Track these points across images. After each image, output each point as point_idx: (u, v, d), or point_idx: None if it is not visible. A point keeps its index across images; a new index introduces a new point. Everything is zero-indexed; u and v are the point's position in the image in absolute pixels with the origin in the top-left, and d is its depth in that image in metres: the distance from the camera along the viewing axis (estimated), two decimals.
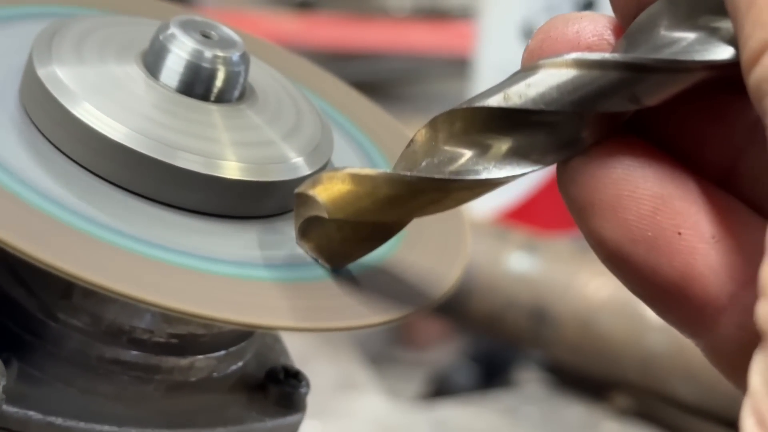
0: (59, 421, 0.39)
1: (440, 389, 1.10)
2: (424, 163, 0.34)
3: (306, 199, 0.36)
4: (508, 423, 0.98)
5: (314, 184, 0.36)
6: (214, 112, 0.40)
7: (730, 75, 0.30)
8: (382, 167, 0.44)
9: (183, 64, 0.40)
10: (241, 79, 0.41)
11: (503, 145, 0.33)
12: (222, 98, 0.41)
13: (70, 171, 0.38)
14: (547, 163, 0.33)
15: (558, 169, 0.33)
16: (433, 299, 0.39)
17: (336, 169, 0.35)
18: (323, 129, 0.43)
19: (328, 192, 0.35)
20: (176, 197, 0.39)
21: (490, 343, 1.11)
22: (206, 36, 0.41)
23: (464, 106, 0.33)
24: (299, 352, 1.03)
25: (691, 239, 0.32)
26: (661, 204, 0.32)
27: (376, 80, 1.54)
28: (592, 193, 0.32)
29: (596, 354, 0.96)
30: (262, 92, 0.42)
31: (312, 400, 0.99)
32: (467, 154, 0.33)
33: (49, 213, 0.36)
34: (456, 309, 1.02)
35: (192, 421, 0.41)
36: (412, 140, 0.34)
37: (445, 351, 1.21)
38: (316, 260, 0.38)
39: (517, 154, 0.33)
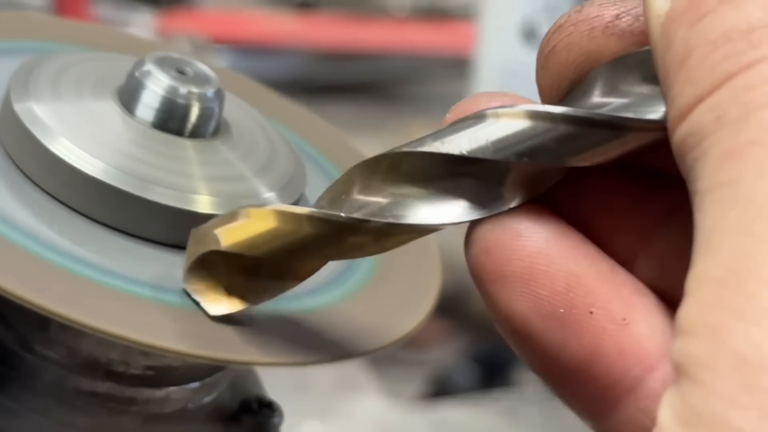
0: None
1: (440, 389, 1.10)
2: (345, 207, 0.33)
3: (204, 236, 0.36)
4: (508, 423, 0.98)
5: (223, 221, 0.35)
6: (188, 147, 0.41)
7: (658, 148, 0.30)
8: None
9: (158, 99, 0.41)
10: (216, 115, 0.42)
11: (433, 192, 0.32)
12: (196, 133, 0.41)
13: (47, 206, 0.39)
14: (470, 218, 0.32)
15: (469, 234, 0.32)
16: (373, 348, 0.39)
17: (256, 206, 0.35)
18: (296, 164, 0.43)
19: (244, 229, 0.34)
20: (151, 231, 0.39)
21: (490, 343, 1.11)
22: (181, 72, 0.41)
23: (393, 150, 0.32)
24: None
25: (602, 320, 0.31)
26: (575, 282, 0.31)
27: (376, 80, 1.54)
28: (504, 263, 0.31)
29: None
30: (237, 127, 0.43)
31: (312, 400, 0.99)
32: (395, 198, 0.32)
33: (25, 248, 0.37)
34: (456, 309, 1.02)
35: None
36: (334, 184, 0.34)
37: (445, 351, 1.21)
38: (198, 304, 0.37)
39: (446, 201, 0.32)
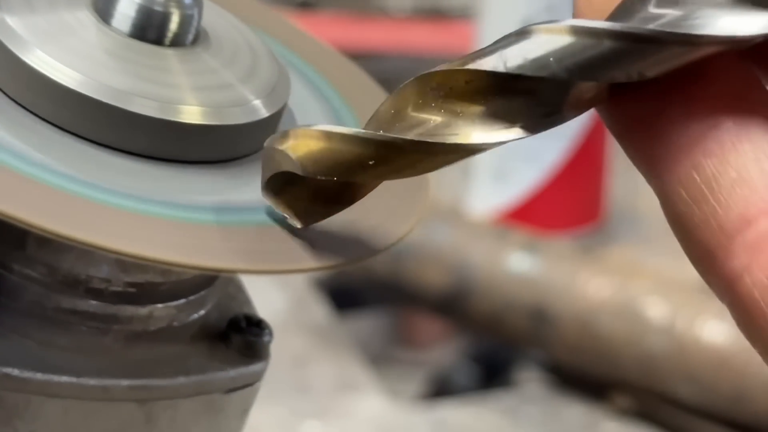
0: (16, 372, 0.39)
1: (440, 389, 1.10)
2: (397, 125, 0.33)
3: (275, 154, 0.35)
4: (508, 423, 0.98)
5: (285, 139, 0.35)
6: (168, 56, 0.40)
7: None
8: (349, 122, 0.44)
9: (135, 8, 0.40)
10: (195, 22, 0.40)
11: (484, 111, 0.32)
12: (176, 42, 0.40)
13: (23, 120, 0.38)
14: (528, 134, 0.32)
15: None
16: (379, 249, 0.39)
17: (308, 125, 0.35)
18: (279, 71, 0.42)
19: (300, 148, 0.34)
20: (133, 143, 0.38)
21: (490, 343, 1.11)
22: None
23: (443, 68, 0.32)
24: (299, 353, 1.03)
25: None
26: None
27: (376, 80, 1.54)
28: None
29: (596, 354, 0.96)
30: (216, 35, 0.42)
31: (312, 400, 0.99)
32: (445, 118, 0.32)
33: (2, 162, 0.36)
34: (456, 309, 1.02)
35: (152, 370, 0.40)
36: (385, 102, 0.33)
37: (445, 351, 1.21)
38: (285, 218, 0.37)
39: (497, 121, 0.32)
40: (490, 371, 1.11)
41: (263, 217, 0.38)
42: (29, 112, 0.38)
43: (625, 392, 0.97)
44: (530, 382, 1.05)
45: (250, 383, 0.42)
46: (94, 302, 0.40)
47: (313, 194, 0.36)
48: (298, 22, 0.49)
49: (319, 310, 1.08)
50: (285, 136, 0.35)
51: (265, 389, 1.07)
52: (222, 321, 0.43)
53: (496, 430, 0.98)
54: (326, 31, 1.56)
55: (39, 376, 0.39)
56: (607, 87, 0.31)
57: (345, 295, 1.17)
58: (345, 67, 0.48)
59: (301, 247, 0.37)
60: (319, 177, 0.34)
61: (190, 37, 0.40)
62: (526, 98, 0.31)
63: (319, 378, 1.00)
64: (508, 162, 1.07)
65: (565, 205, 1.11)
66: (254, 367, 0.42)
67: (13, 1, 0.40)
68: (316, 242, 0.37)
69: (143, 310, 0.41)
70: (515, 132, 0.32)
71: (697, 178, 0.30)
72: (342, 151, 0.33)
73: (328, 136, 0.34)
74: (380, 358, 1.17)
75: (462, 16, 1.57)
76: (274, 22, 0.48)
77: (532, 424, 0.98)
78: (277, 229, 0.38)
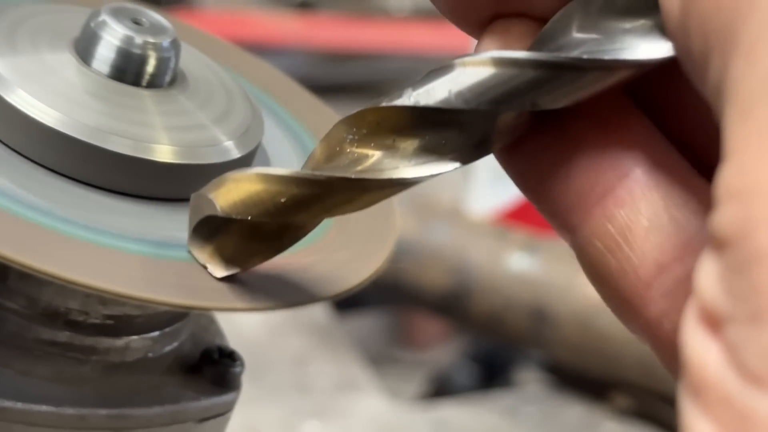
0: None
1: (440, 389, 1.10)
2: (329, 166, 0.33)
3: (203, 201, 0.36)
4: (508, 423, 0.98)
5: (217, 186, 0.35)
6: (145, 97, 0.41)
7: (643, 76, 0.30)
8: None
9: (114, 50, 0.41)
10: (172, 65, 0.42)
11: (414, 145, 0.32)
12: (153, 83, 0.41)
13: (3, 156, 0.39)
14: (458, 164, 0.32)
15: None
16: (332, 295, 0.40)
17: (243, 170, 0.35)
18: (254, 113, 0.44)
19: (230, 192, 0.35)
20: (109, 180, 0.39)
21: (490, 343, 1.11)
22: (137, 23, 0.41)
23: (373, 106, 0.33)
24: (299, 353, 1.04)
25: (587, 124, 0.31)
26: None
27: (376, 80, 1.54)
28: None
29: (596, 354, 0.96)
30: (193, 78, 0.43)
31: (312, 400, 0.99)
32: (377, 154, 0.33)
33: None
34: (456, 309, 1.02)
35: (129, 400, 0.41)
36: (320, 143, 0.34)
37: (445, 351, 1.21)
38: (205, 267, 0.38)
39: (428, 154, 0.32)
40: (490, 371, 1.11)
41: None
42: (10, 149, 0.39)
43: (625, 392, 0.97)
44: (530, 382, 1.05)
45: (222, 413, 0.44)
46: (72, 334, 0.41)
47: (250, 237, 0.36)
48: (270, 65, 0.51)
49: (319, 310, 1.08)
50: (219, 182, 0.35)
51: (265, 389, 1.08)
52: (195, 352, 0.44)
53: (496, 430, 0.98)
54: (326, 31, 1.55)
55: (19, 405, 0.40)
56: (532, 113, 0.32)
57: None
58: (315, 106, 0.49)
59: (261, 285, 0.38)
60: (255, 219, 0.35)
61: (167, 78, 0.42)
62: (455, 130, 0.32)
63: (319, 378, 1.00)
64: None
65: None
66: (226, 397, 0.44)
67: None
68: (276, 282, 0.38)
69: (120, 342, 0.42)
70: (447, 164, 0.32)
71: (611, 229, 0.31)
72: (277, 193, 0.34)
73: (264, 178, 0.34)
74: (380, 358, 1.17)
75: None
76: (248, 64, 0.50)
77: (531, 424, 0.98)
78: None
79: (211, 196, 0.35)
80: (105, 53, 0.41)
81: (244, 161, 0.42)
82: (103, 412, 0.41)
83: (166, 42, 0.41)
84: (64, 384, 0.41)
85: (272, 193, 0.34)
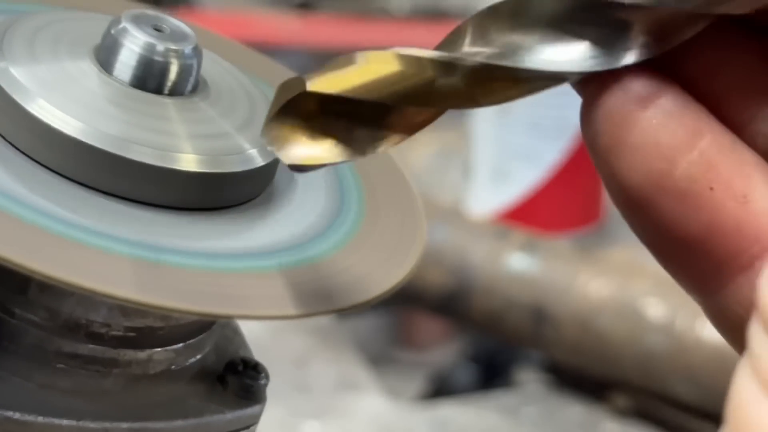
0: (17, 416, 0.39)
1: (440, 389, 1.10)
2: (472, 51, 0.32)
3: (296, 84, 0.33)
4: (508, 423, 0.98)
5: (360, 57, 0.33)
6: (168, 105, 0.40)
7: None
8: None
9: (135, 58, 0.40)
10: (194, 72, 0.41)
11: (567, 39, 0.31)
12: (175, 91, 0.41)
13: (26, 167, 0.39)
14: (610, 66, 0.30)
15: (587, 95, 0.31)
16: (363, 301, 0.39)
17: (371, 52, 0.33)
18: None
19: (375, 71, 0.32)
20: (132, 190, 0.39)
21: (490, 343, 1.11)
22: (158, 29, 0.41)
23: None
24: (299, 353, 1.03)
25: (723, 196, 0.30)
26: (697, 156, 0.30)
27: None
28: (626, 132, 0.30)
29: (596, 354, 0.96)
30: (215, 85, 0.43)
31: (312, 400, 0.99)
32: (514, 45, 0.31)
33: (5, 209, 0.36)
34: (456, 309, 1.02)
35: (151, 414, 0.41)
36: (458, 28, 0.32)
37: (445, 351, 1.21)
38: (275, 153, 0.35)
39: (592, 48, 0.31)
40: (490, 371, 1.11)
41: (258, 263, 0.39)
42: (31, 159, 0.39)
43: (625, 392, 0.97)
44: (530, 382, 1.05)
45: (247, 426, 0.43)
46: (94, 346, 0.40)
47: (346, 124, 0.34)
48: (291, 70, 0.50)
49: None
50: (350, 59, 0.33)
51: None
52: (219, 364, 0.43)
53: (496, 430, 0.98)
54: (326, 31, 1.56)
55: (40, 419, 0.39)
56: None
57: None
58: None
59: (292, 293, 0.38)
60: (387, 101, 0.32)
61: (189, 86, 0.41)
62: (600, 26, 0.30)
63: (320, 378, 1.00)
64: (507, 162, 1.07)
65: (564, 205, 1.11)
66: (251, 410, 0.43)
67: (17, 52, 0.40)
68: (307, 289, 0.38)
69: (142, 354, 0.41)
70: (588, 60, 0.31)
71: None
72: (416, 74, 0.32)
73: (404, 59, 0.32)
74: (380, 358, 1.17)
75: (462, 16, 1.56)
76: (270, 71, 0.49)
77: (531, 424, 0.98)
78: (270, 275, 0.38)
79: (359, 62, 0.32)
80: (126, 61, 0.40)
81: (269, 169, 0.41)
82: (125, 425, 0.40)
83: (188, 49, 0.41)
84: (86, 397, 0.40)
85: (407, 75, 0.32)
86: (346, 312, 0.39)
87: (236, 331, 0.46)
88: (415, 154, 1.16)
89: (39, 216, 0.37)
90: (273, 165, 0.41)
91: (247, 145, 0.41)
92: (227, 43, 0.49)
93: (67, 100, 0.39)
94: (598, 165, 0.32)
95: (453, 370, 1.14)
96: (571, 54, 0.31)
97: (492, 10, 0.32)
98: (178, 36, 0.41)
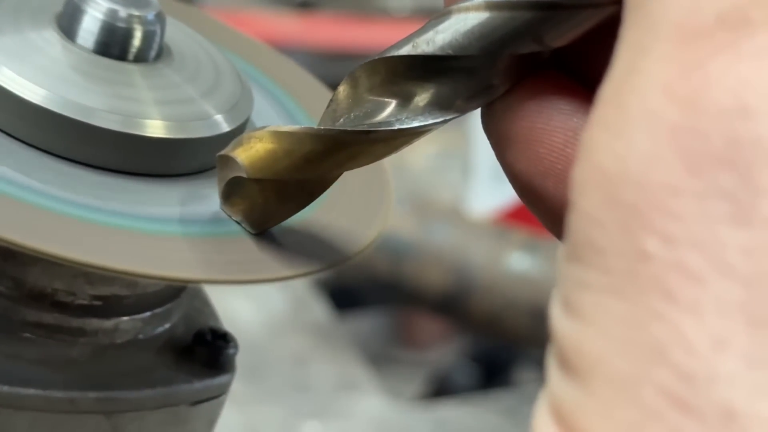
0: None
1: (440, 389, 1.10)
2: (342, 119, 0.34)
3: (227, 162, 0.36)
4: (508, 423, 0.98)
5: (235, 146, 0.36)
6: (132, 71, 0.40)
7: None
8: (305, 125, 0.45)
9: (98, 24, 0.40)
10: (158, 38, 0.41)
11: (423, 94, 0.33)
12: (139, 58, 0.41)
13: None
14: (465, 110, 0.33)
15: (482, 107, 0.33)
16: (348, 256, 0.39)
17: (257, 129, 0.36)
18: (242, 86, 0.43)
19: (248, 152, 0.35)
20: (97, 157, 0.39)
21: (490, 343, 1.11)
22: None
23: (378, 56, 0.33)
24: (299, 353, 1.04)
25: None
26: (572, 137, 0.31)
27: None
28: (507, 125, 0.32)
29: None
30: (180, 51, 0.43)
31: (312, 400, 0.99)
32: (388, 105, 0.33)
33: None
34: (456, 309, 1.02)
35: (119, 383, 0.41)
36: (333, 96, 0.34)
37: (445, 351, 1.21)
38: (240, 224, 0.38)
39: (436, 103, 0.33)
40: (490, 371, 1.11)
41: (227, 228, 0.39)
42: None
43: None
44: (530, 382, 1.05)
45: (215, 395, 0.43)
46: (59, 315, 0.40)
47: (267, 197, 0.37)
48: (258, 40, 0.51)
49: (319, 310, 1.08)
50: (236, 143, 0.36)
51: (265, 389, 1.08)
52: (188, 334, 0.43)
53: (496, 430, 0.98)
54: (326, 31, 1.56)
55: (6, 389, 0.39)
56: (537, 52, 0.32)
57: (345, 295, 1.17)
58: (306, 80, 0.49)
59: (266, 256, 0.38)
60: (271, 178, 0.35)
61: (153, 52, 0.41)
62: (461, 77, 0.32)
63: (320, 378, 1.00)
64: None
65: None
66: (220, 380, 0.43)
67: None
68: (281, 251, 0.38)
69: (109, 323, 0.41)
70: (454, 111, 0.33)
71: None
72: (290, 151, 0.35)
73: (276, 136, 0.35)
74: (380, 358, 1.17)
75: None
76: (233, 37, 0.49)
77: None
78: (241, 240, 0.38)
79: (234, 154, 0.36)
80: (89, 28, 0.40)
81: (234, 135, 0.41)
82: (92, 394, 0.40)
83: (150, 15, 0.41)
84: (53, 367, 0.40)
85: (282, 151, 0.35)
86: (317, 273, 0.39)
87: (205, 302, 0.45)
88: (415, 154, 1.16)
89: (3, 184, 0.37)
90: (239, 130, 0.42)
91: (212, 111, 0.41)
92: (191, 12, 0.49)
93: (31, 68, 0.39)
94: (498, 160, 0.33)
95: (453, 370, 1.14)
96: (447, 107, 0.33)
97: (371, 66, 0.33)
98: (140, 2, 0.41)
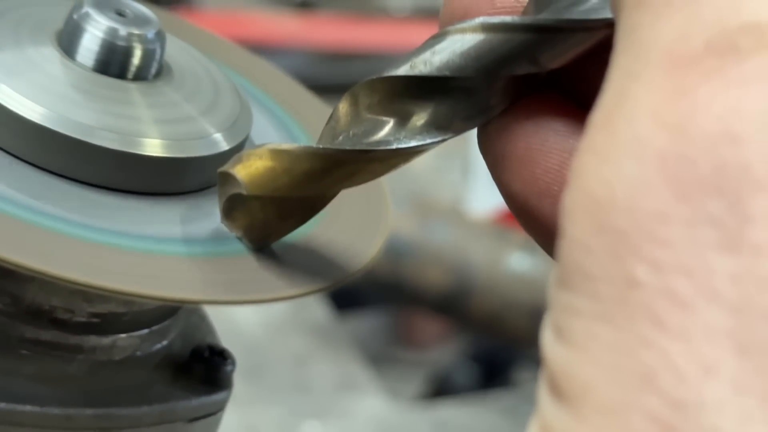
0: None
1: (440, 389, 1.10)
2: (341, 137, 0.34)
3: (227, 178, 0.36)
4: (508, 423, 0.98)
5: (235, 163, 0.36)
6: (131, 89, 0.40)
7: None
8: (304, 143, 0.45)
9: (98, 42, 0.40)
10: (158, 56, 0.41)
11: (421, 114, 0.33)
12: (139, 76, 0.41)
13: None
14: (462, 130, 0.33)
15: (478, 127, 0.33)
16: (350, 273, 0.39)
17: (256, 147, 0.36)
18: (242, 105, 0.43)
19: (248, 169, 0.36)
20: (96, 176, 0.39)
21: (490, 343, 1.11)
22: (121, 14, 0.41)
23: (377, 76, 0.33)
24: (299, 353, 1.04)
25: None
26: (568, 158, 0.31)
27: None
28: (503, 145, 0.32)
29: None
30: (179, 69, 0.43)
31: (312, 400, 0.99)
32: (386, 124, 0.33)
33: None
34: (456, 309, 1.02)
35: (116, 400, 0.41)
36: (332, 114, 0.35)
37: (445, 351, 1.22)
38: (240, 240, 0.38)
39: (433, 122, 0.33)
40: (490, 371, 1.11)
41: (227, 248, 0.38)
42: None
43: None
44: (530, 382, 1.05)
45: (212, 412, 0.43)
46: (57, 332, 0.40)
47: (267, 214, 0.37)
48: (256, 56, 0.51)
49: (319, 310, 1.08)
50: (235, 160, 0.36)
51: (265, 389, 1.08)
52: (185, 350, 0.43)
53: (496, 430, 0.98)
54: (326, 31, 1.56)
55: (2, 405, 0.39)
56: (534, 72, 0.32)
57: (345, 295, 1.17)
58: (304, 98, 0.49)
59: (267, 276, 0.38)
60: (270, 195, 0.35)
61: (153, 71, 0.41)
62: (459, 97, 0.33)
63: (320, 378, 1.00)
64: None
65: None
66: (216, 397, 0.43)
67: None
68: (283, 270, 0.38)
69: (106, 340, 0.41)
70: (451, 132, 0.33)
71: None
72: (288, 169, 0.35)
73: (274, 154, 0.35)
74: (380, 358, 1.17)
75: None
76: (234, 54, 0.49)
77: None
78: (242, 259, 0.38)
79: (234, 171, 0.36)
80: (89, 46, 0.40)
81: (233, 153, 0.41)
82: (89, 411, 0.40)
83: (150, 33, 0.41)
84: (50, 383, 0.40)
85: (281, 169, 0.35)
86: (310, 294, 0.39)
87: (203, 318, 0.45)
88: None
89: (2, 203, 0.37)
90: (238, 149, 0.42)
91: (211, 129, 0.41)
92: (192, 29, 0.49)
93: (30, 86, 0.39)
94: (494, 180, 0.33)
95: (453, 370, 1.14)
96: (445, 127, 0.33)
97: (368, 86, 0.34)
98: (141, 20, 0.41)
